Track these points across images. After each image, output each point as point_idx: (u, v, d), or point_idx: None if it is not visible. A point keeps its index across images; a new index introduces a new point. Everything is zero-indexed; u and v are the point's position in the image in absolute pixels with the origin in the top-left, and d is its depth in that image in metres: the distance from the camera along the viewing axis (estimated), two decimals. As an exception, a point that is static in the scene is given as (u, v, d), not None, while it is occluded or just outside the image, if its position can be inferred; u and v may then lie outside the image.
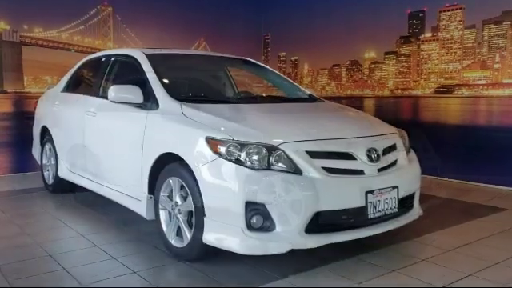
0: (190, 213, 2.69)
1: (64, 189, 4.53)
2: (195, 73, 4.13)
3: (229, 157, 2.45)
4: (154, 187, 2.96)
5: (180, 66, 3.90)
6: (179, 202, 2.79)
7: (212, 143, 2.52)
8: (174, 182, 2.80)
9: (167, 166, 2.83)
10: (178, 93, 3.16)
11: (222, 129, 2.58)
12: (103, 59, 4.04)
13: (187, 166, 2.64)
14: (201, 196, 2.54)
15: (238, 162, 2.44)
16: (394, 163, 2.87)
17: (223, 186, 2.44)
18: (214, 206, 2.50)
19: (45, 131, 4.74)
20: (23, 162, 8.23)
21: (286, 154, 2.47)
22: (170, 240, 2.85)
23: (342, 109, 3.62)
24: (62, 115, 4.35)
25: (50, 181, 4.66)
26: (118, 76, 3.80)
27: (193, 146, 2.62)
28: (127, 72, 3.68)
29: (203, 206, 2.52)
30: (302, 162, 2.46)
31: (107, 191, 3.60)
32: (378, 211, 2.63)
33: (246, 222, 2.39)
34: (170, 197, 2.86)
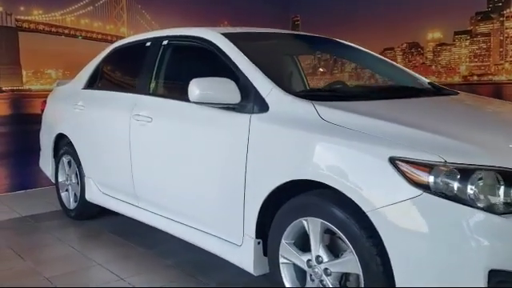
0: (345, 275, 2.23)
1: (91, 214, 4.39)
2: (294, 59, 3.85)
3: (444, 191, 1.91)
4: (263, 227, 2.56)
5: (273, 51, 3.62)
6: (325, 258, 2.26)
7: (406, 168, 1.97)
8: (312, 224, 2.30)
9: (295, 199, 2.37)
10: (291, 87, 2.80)
11: (417, 143, 2.04)
12: (148, 44, 3.76)
13: (344, 201, 2.12)
14: (384, 255, 2.00)
15: (459, 199, 1.90)
16: None
17: (440, 241, 1.90)
18: (417, 276, 1.95)
19: (61, 140, 4.61)
20: (24, 176, 8.21)
21: None
22: None
23: (503, 102, 3.35)
24: (91, 120, 4.13)
25: (72, 204, 4.48)
26: (177, 67, 3.58)
27: (361, 171, 2.09)
28: (193, 60, 3.48)
29: (392, 274, 1.99)
30: None
31: (176, 228, 3.21)
32: None
33: None
34: (299, 245, 2.41)
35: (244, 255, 2.62)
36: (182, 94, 3.08)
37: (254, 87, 2.68)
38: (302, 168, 2.30)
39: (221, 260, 2.81)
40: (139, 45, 3.90)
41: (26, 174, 8.49)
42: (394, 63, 3.96)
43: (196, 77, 2.75)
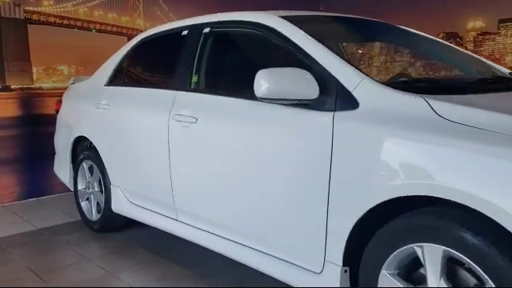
0: None
1: (116, 227, 4.17)
2: (370, 47, 3.76)
3: None
4: (349, 252, 2.20)
5: (344, 37, 3.40)
6: None
7: None
8: (430, 253, 1.87)
9: (401, 220, 1.96)
10: (382, 78, 2.40)
11: None
12: (185, 33, 3.42)
13: (477, 224, 1.72)
14: None
15: None
16: None
17: None
18: None
19: (80, 143, 4.42)
20: (35, 182, 8.40)
21: None
22: None
23: None
24: (119, 121, 3.85)
25: (95, 216, 4.25)
26: (224, 58, 3.30)
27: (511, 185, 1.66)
28: (244, 50, 3.19)
29: None
30: None
31: (228, 247, 2.85)
32: None
33: None
34: (403, 274, 2.01)
35: (325, 285, 2.24)
36: (235, 90, 2.77)
37: (336, 79, 2.29)
38: (416, 181, 1.89)
39: (276, 282, 2.55)
40: (173, 34, 3.59)
41: (37, 180, 8.47)
42: (468, 52, 3.60)
43: (249, 70, 2.42)
